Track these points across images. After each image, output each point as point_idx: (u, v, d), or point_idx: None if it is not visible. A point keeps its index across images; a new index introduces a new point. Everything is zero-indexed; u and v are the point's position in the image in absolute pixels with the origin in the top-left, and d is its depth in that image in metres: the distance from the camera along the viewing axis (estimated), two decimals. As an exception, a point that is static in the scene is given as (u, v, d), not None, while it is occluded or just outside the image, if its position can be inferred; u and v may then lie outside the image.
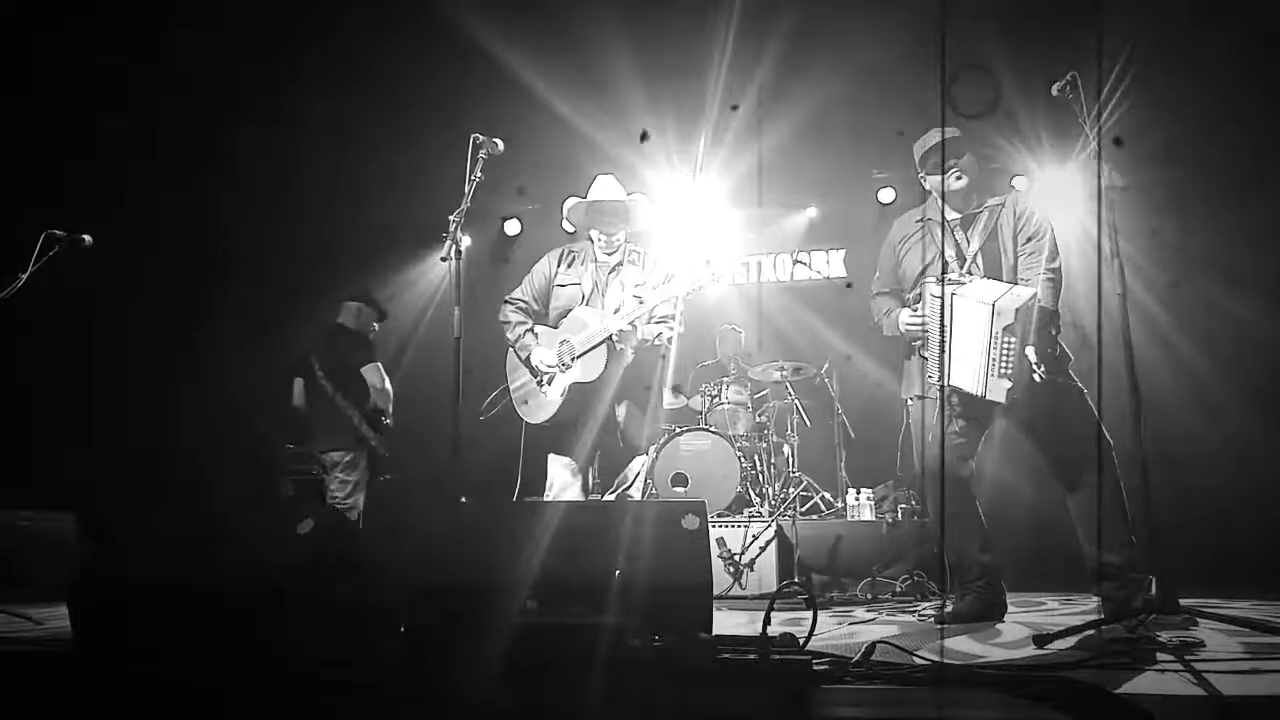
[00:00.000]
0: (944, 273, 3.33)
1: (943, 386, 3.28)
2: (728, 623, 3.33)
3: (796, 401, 6.04)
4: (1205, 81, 5.29)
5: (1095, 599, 3.28)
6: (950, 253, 3.38)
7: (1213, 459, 5.46)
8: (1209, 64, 5.25)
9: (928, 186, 3.48)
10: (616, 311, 3.76)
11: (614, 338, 3.68)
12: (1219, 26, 5.07)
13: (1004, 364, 3.08)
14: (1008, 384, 3.08)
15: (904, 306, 3.47)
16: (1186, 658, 2.15)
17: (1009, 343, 3.06)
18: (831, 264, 7.35)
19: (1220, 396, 5.55)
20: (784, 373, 5.98)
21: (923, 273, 3.41)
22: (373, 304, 5.47)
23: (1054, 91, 3.02)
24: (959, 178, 3.37)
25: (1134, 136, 4.16)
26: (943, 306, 3.22)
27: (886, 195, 7.01)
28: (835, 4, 5.35)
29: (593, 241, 3.98)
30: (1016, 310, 3.05)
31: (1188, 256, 5.73)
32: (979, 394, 3.15)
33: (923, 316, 3.32)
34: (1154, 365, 5.39)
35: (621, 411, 3.78)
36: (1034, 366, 3.12)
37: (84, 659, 2.38)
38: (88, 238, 3.77)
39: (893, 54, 5.29)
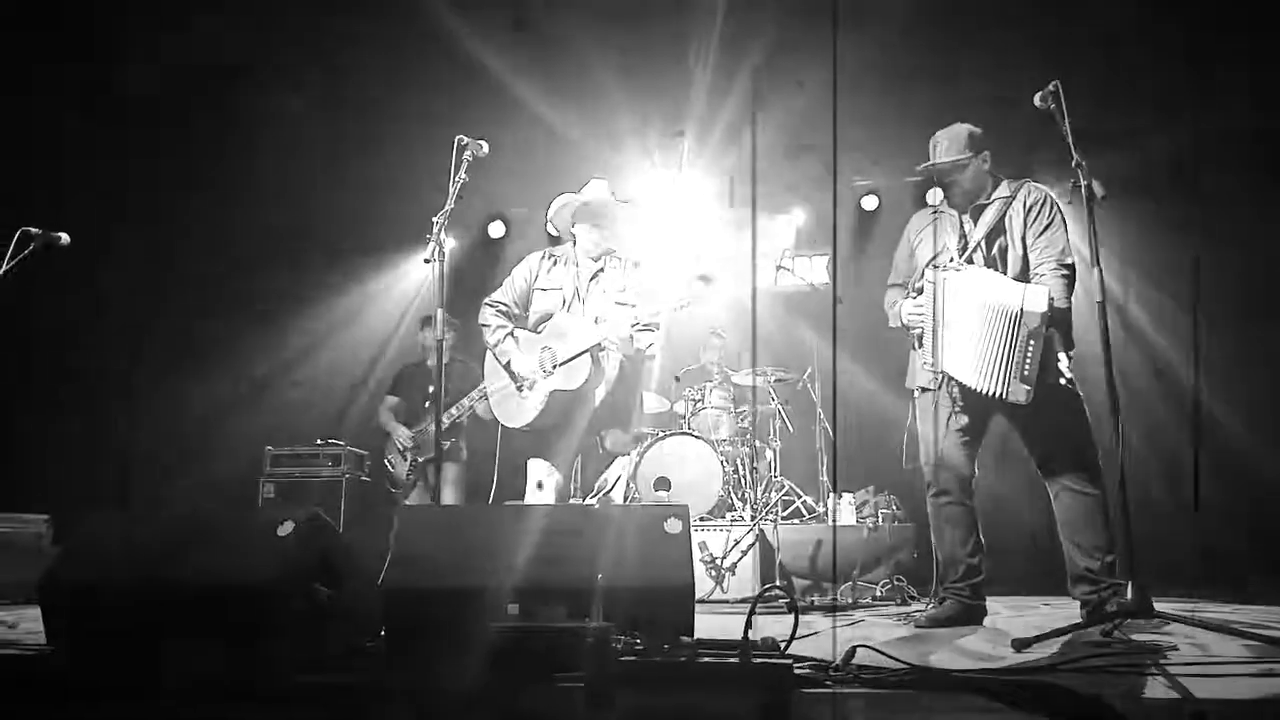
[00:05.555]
0: (950, 261, 3.34)
1: (940, 376, 3.29)
2: (709, 626, 3.33)
3: (779, 407, 6.05)
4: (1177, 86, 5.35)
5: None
6: (955, 243, 3.41)
7: (1191, 465, 5.52)
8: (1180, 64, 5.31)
9: (935, 180, 3.52)
10: (597, 320, 3.75)
11: (600, 345, 3.68)
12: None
13: (1026, 367, 3.10)
14: (1027, 387, 3.10)
15: (908, 297, 3.49)
16: (1160, 661, 2.17)
17: (1031, 345, 3.08)
18: (815, 269, 7.36)
19: (1204, 404, 5.61)
20: (766, 378, 5.99)
21: (930, 263, 3.43)
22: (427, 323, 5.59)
23: (1036, 101, 3.05)
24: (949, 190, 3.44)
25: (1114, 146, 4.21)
26: (934, 295, 3.25)
27: (870, 202, 7.04)
28: (816, 9, 5.38)
29: (575, 244, 3.97)
30: (1042, 314, 3.07)
31: (1171, 266, 5.80)
32: (996, 394, 3.15)
33: (922, 306, 3.35)
34: (1135, 372, 5.45)
35: (605, 436, 3.79)
36: (1066, 372, 3.15)
37: (57, 661, 2.35)
38: (64, 236, 3.72)
39: (878, 59, 5.32)
